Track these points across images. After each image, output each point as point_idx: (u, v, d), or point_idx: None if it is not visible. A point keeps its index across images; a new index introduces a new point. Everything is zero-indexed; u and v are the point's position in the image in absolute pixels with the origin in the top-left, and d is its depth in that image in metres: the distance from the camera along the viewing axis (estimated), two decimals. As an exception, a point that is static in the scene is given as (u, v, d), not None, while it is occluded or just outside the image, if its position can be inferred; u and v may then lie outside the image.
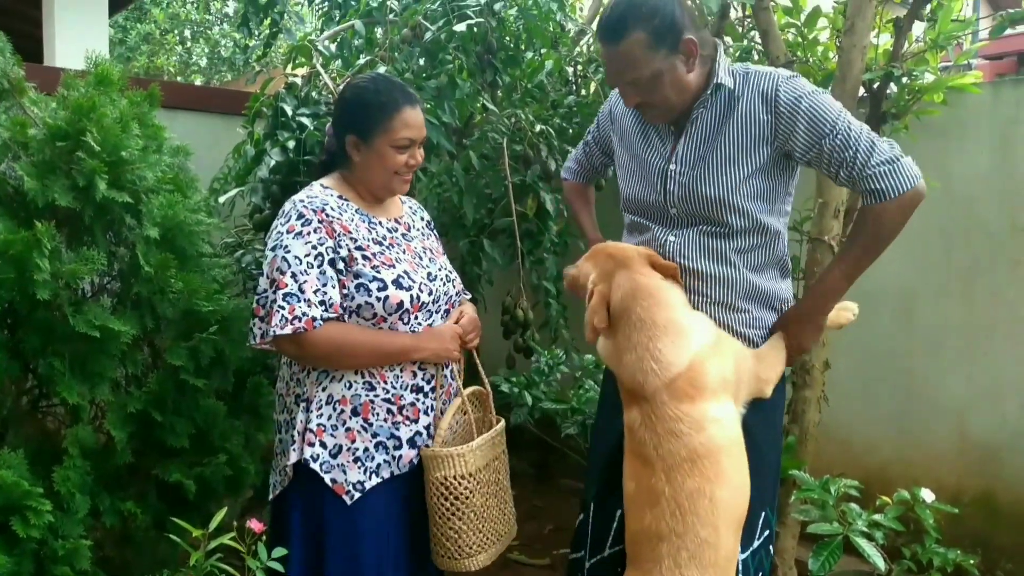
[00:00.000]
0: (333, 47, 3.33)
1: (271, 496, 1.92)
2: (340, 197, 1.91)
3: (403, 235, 1.97)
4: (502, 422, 2.07)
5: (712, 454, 1.68)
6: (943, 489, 2.87)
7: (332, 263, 1.80)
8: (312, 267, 1.78)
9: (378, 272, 1.82)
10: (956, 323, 3.15)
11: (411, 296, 1.85)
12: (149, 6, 11.76)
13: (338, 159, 1.96)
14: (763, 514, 1.89)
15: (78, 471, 1.98)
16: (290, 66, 3.31)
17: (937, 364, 3.20)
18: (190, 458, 2.23)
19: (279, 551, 1.69)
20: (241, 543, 1.66)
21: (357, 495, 1.83)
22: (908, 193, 1.73)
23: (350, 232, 1.84)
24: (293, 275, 1.76)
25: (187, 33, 12.07)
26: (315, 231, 1.80)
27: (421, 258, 1.96)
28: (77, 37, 5.58)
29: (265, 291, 1.81)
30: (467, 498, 1.87)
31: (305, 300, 1.75)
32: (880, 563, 2.02)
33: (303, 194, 1.89)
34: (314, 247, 1.79)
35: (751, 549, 1.87)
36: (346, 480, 1.82)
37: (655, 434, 1.71)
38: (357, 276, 1.81)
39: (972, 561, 2.23)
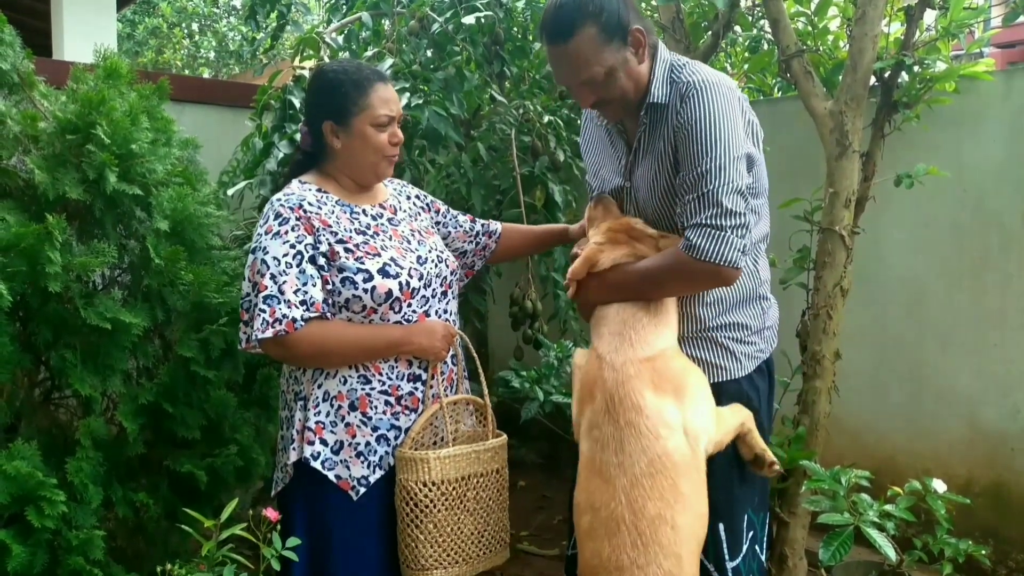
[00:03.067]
0: (340, 39, 3.33)
1: (273, 492, 1.91)
2: (319, 190, 1.87)
3: (389, 220, 1.93)
4: (502, 438, 1.96)
5: (670, 471, 1.58)
6: (953, 480, 2.86)
7: (312, 260, 1.77)
8: (291, 267, 1.75)
9: (362, 263, 1.79)
10: (967, 313, 3.13)
11: (399, 283, 1.81)
12: (157, 0, 11.78)
13: (316, 153, 1.92)
14: (745, 517, 1.84)
15: (91, 462, 1.99)
16: (298, 58, 3.31)
17: (948, 355, 3.19)
18: (201, 449, 2.24)
19: (293, 540, 1.69)
20: (253, 532, 1.67)
21: (362, 490, 1.82)
22: (708, 264, 1.63)
23: (330, 226, 1.81)
24: (272, 277, 1.74)
25: (194, 27, 12.09)
26: (293, 229, 1.77)
27: (409, 241, 1.92)
28: (85, 31, 5.60)
29: (248, 295, 1.80)
30: (427, 508, 1.78)
31: (285, 301, 1.72)
32: (891, 553, 2.01)
33: (281, 193, 1.86)
34: (292, 246, 1.76)
35: (741, 555, 1.82)
36: (350, 476, 1.81)
37: (618, 427, 1.61)
38: (341, 270, 1.78)
39: (983, 552, 2.22)
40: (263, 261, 1.76)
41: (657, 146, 1.76)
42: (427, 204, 2.11)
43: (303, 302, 1.74)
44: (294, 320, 1.72)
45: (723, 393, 1.78)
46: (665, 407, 1.63)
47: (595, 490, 1.60)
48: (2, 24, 2.13)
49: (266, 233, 1.78)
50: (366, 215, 1.90)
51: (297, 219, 1.78)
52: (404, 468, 1.79)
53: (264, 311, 1.73)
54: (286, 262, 1.75)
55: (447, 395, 1.91)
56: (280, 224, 1.78)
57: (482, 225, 2.18)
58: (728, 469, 1.78)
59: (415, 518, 1.79)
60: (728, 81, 1.74)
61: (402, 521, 1.81)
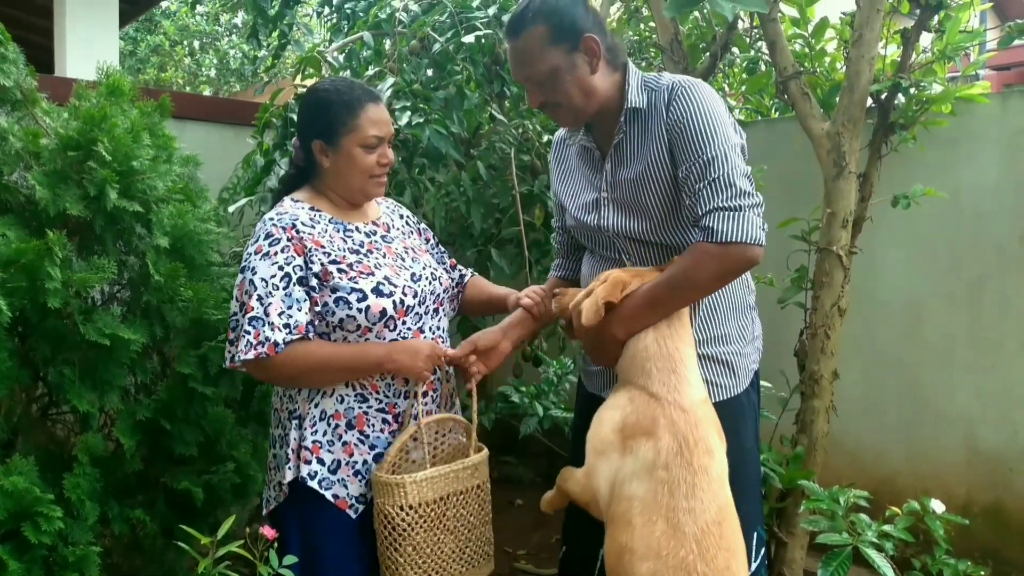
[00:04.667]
0: (342, 58, 3.35)
1: (265, 511, 1.89)
2: (312, 209, 1.86)
3: (382, 237, 1.93)
4: (482, 453, 1.93)
5: (733, 520, 1.55)
6: (952, 500, 2.86)
7: (301, 282, 1.76)
8: (278, 288, 1.73)
9: (356, 283, 1.78)
10: (965, 334, 3.14)
11: (393, 302, 1.80)
12: (159, 18, 11.85)
13: (308, 170, 1.92)
14: (755, 535, 1.85)
15: (88, 478, 1.99)
16: (299, 77, 3.33)
17: (946, 375, 3.19)
18: (198, 466, 2.23)
19: (290, 559, 1.69)
20: (250, 550, 1.66)
21: (360, 508, 1.81)
22: (735, 246, 1.61)
23: (323, 246, 1.80)
24: (259, 298, 1.73)
25: (196, 44, 12.16)
26: (283, 250, 1.76)
27: (403, 259, 1.91)
28: (88, 48, 5.62)
29: (235, 314, 1.78)
30: (405, 531, 1.75)
31: (269, 324, 1.71)
32: (890, 574, 2.01)
33: (273, 211, 1.84)
34: (280, 267, 1.75)
35: (751, 572, 1.80)
36: (348, 494, 1.80)
37: (691, 471, 1.53)
38: (335, 290, 1.76)
39: (982, 573, 2.22)
40: (251, 282, 1.75)
41: (646, 148, 1.78)
42: (419, 228, 2.11)
43: (286, 325, 1.73)
44: (276, 344, 1.71)
45: (725, 413, 1.75)
46: (724, 453, 1.61)
47: (660, 535, 1.51)
48: (6, 41, 2.14)
49: (256, 253, 1.77)
50: (359, 232, 1.89)
51: (288, 239, 1.77)
52: (381, 492, 1.76)
53: (249, 332, 1.72)
54: (273, 284, 1.74)
55: (434, 412, 1.88)
56: (271, 244, 1.77)
57: (457, 271, 2.15)
58: (733, 486, 1.78)
59: (393, 541, 1.76)
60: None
61: (381, 544, 1.78)
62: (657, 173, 1.77)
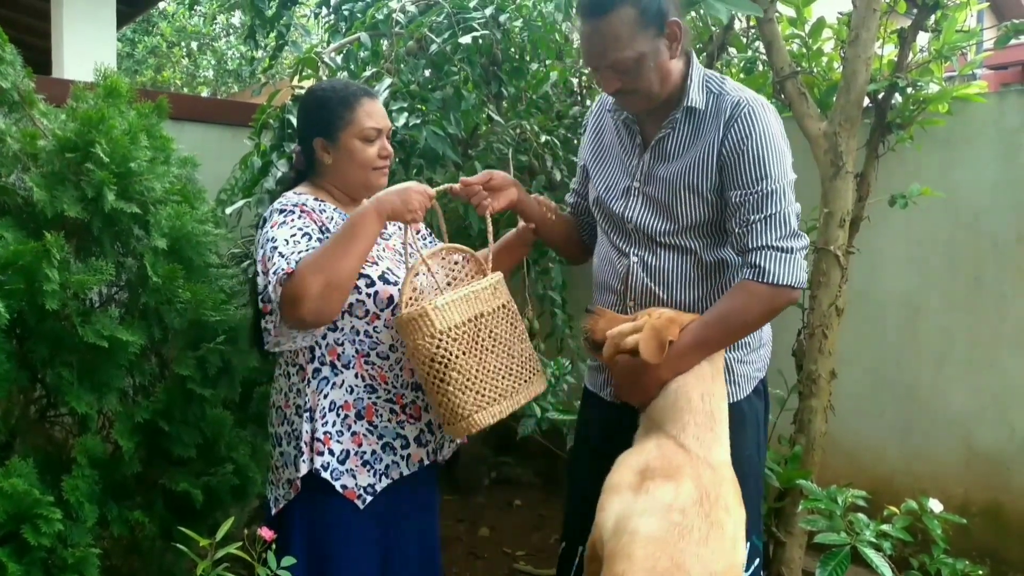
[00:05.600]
0: (339, 59, 3.34)
1: (275, 510, 1.90)
2: (316, 199, 1.89)
3: (380, 233, 1.93)
4: (496, 275, 1.90)
5: None
6: (950, 500, 2.86)
7: (320, 241, 1.76)
8: (299, 242, 1.74)
9: (363, 269, 1.80)
10: (962, 333, 3.14)
11: (398, 291, 1.83)
12: (157, 19, 11.84)
13: (308, 172, 1.95)
14: (748, 544, 1.82)
15: (87, 480, 1.98)
16: (296, 78, 3.33)
17: (943, 374, 3.19)
18: (197, 467, 2.23)
19: (288, 560, 1.69)
20: (249, 552, 1.66)
21: (369, 498, 1.83)
22: (784, 288, 1.66)
23: (330, 229, 1.83)
24: (281, 254, 1.71)
25: (193, 45, 12.15)
26: (299, 218, 1.79)
27: (401, 254, 1.95)
28: (85, 49, 5.62)
29: (265, 287, 1.74)
30: (444, 358, 1.73)
31: (285, 259, 1.69)
32: (888, 573, 2.01)
33: (277, 201, 1.88)
34: (300, 228, 1.77)
35: None
36: (356, 484, 1.82)
37: (707, 522, 1.52)
38: None
39: (980, 572, 2.22)
40: (273, 248, 1.74)
41: (692, 151, 1.75)
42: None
43: (299, 255, 1.70)
44: (289, 264, 1.68)
45: None
46: (742, 518, 1.61)
47: (663, 572, 1.47)
48: (3, 43, 2.14)
49: (271, 227, 1.79)
50: None
51: (301, 212, 1.81)
52: (407, 331, 1.74)
53: (275, 280, 1.69)
54: (294, 240, 1.75)
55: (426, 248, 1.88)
56: (285, 217, 1.80)
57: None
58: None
59: (437, 373, 1.74)
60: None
61: (428, 384, 1.77)
62: (695, 181, 1.74)
